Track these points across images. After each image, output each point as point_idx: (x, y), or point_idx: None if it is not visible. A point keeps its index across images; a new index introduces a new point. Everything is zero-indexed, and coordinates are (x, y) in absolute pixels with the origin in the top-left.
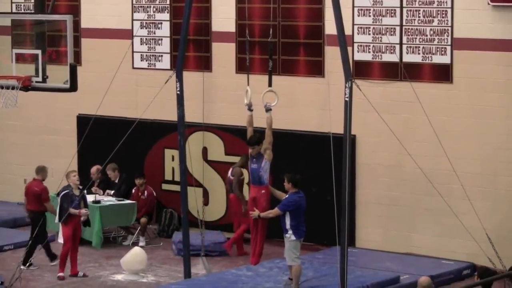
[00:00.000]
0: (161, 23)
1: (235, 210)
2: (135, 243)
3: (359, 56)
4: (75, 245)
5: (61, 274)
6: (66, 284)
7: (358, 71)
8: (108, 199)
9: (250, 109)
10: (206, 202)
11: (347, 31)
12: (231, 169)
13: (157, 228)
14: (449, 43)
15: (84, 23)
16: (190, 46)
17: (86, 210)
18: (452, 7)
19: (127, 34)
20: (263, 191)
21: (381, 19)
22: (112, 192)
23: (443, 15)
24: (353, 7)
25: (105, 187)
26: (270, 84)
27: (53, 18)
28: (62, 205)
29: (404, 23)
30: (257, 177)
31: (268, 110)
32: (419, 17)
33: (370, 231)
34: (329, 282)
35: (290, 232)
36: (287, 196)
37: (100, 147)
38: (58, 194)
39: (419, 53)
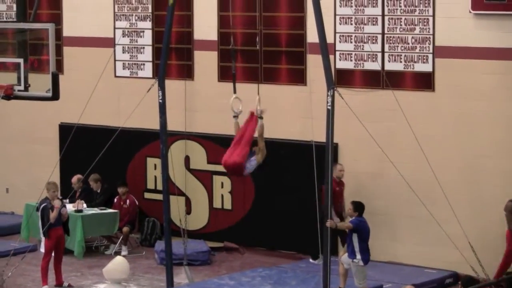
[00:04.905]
0: (143, 31)
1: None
2: (117, 252)
3: (341, 64)
4: (59, 255)
5: (45, 287)
6: None
7: (340, 79)
8: (90, 209)
9: (235, 116)
10: (188, 211)
11: (329, 39)
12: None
13: (140, 237)
14: (431, 51)
15: (66, 32)
16: (172, 55)
17: (59, 201)
18: (433, 16)
19: (109, 43)
20: None
21: (363, 27)
22: (83, 202)
23: (425, 23)
24: (335, 15)
25: (86, 196)
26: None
27: (35, 26)
28: (43, 219)
29: (386, 31)
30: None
31: (260, 118)
32: (400, 25)
33: None
34: None
35: (358, 257)
36: (353, 218)
37: (82, 155)
38: (37, 209)
39: (401, 61)
